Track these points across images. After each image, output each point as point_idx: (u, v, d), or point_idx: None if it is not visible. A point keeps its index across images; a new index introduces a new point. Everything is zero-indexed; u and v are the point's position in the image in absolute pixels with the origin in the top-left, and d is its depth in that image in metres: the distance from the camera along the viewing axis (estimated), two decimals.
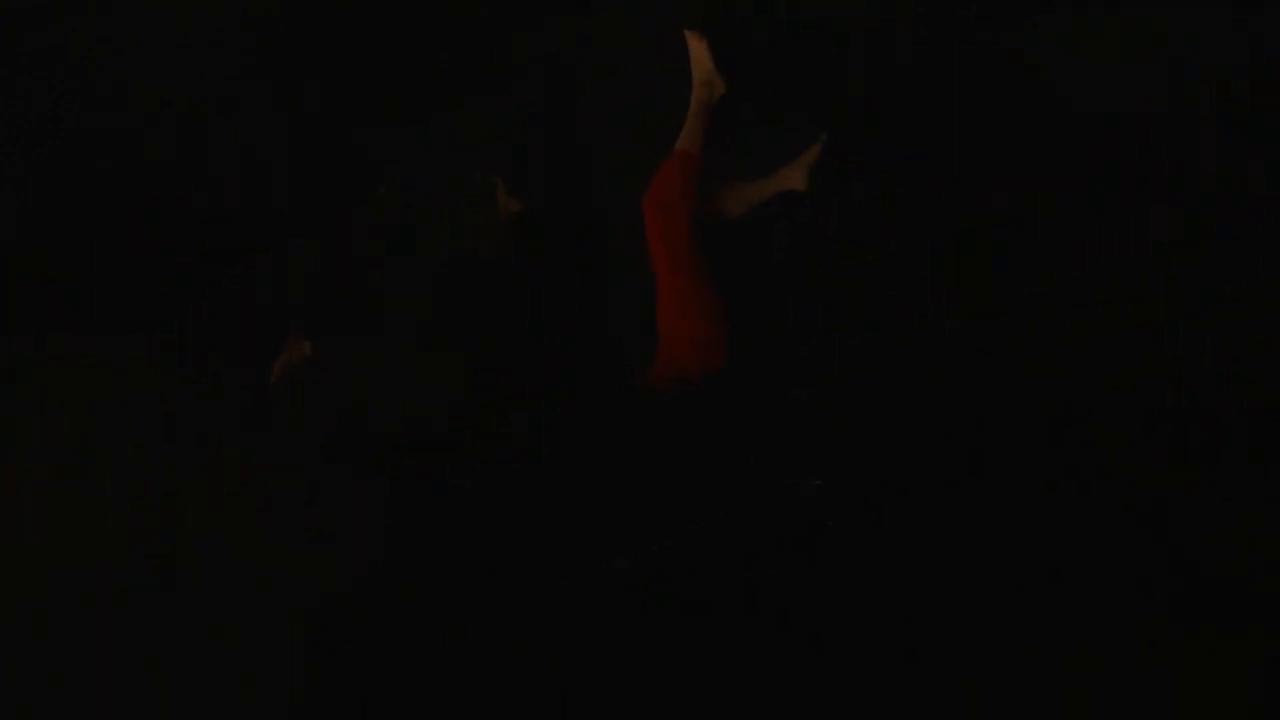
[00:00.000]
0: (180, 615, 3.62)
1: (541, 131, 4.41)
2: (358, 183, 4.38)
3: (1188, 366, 3.93)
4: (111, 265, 4.29)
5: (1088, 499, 3.71)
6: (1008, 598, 3.59)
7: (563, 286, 4.09)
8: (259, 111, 4.43)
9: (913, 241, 4.18)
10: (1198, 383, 3.90)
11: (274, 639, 3.56)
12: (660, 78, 4.15)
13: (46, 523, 3.79)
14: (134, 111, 4.42)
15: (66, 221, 4.35)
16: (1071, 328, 4.02)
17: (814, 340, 4.04)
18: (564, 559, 3.67)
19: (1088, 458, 3.79)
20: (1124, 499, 3.71)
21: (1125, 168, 4.21)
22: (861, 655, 3.53)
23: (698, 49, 3.90)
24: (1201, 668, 3.44)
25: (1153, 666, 3.47)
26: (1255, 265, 4.07)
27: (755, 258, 4.11)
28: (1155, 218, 4.16)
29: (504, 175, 4.09)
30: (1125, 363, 3.95)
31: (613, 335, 4.03)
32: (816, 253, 4.16)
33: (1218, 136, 4.22)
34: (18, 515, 3.79)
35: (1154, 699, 3.42)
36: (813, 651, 3.55)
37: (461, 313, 4.05)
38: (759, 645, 3.57)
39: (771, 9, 4.41)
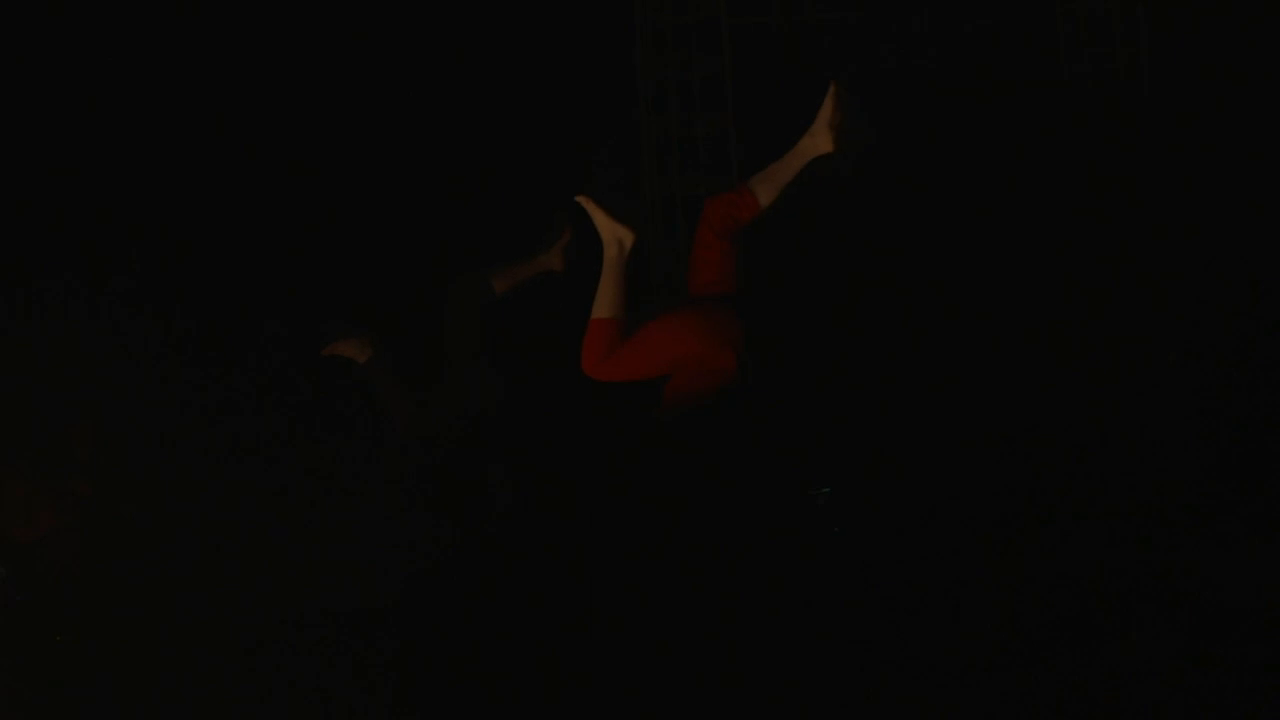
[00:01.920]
0: (180, 615, 3.63)
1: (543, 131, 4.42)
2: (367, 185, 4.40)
3: (1188, 366, 3.94)
4: (108, 264, 4.30)
5: (1087, 502, 3.72)
6: (1008, 598, 3.60)
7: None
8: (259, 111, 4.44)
9: (913, 241, 4.19)
10: (1198, 383, 3.90)
11: (273, 639, 3.57)
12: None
13: (47, 523, 3.79)
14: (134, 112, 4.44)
15: (65, 220, 4.36)
16: (1071, 328, 4.02)
17: (824, 342, 4.03)
18: (564, 558, 3.67)
19: (1089, 462, 3.79)
20: (1123, 500, 3.71)
21: (1125, 168, 4.22)
22: (862, 655, 3.54)
23: (593, 212, 3.46)
24: (1200, 668, 3.44)
25: (1152, 666, 3.47)
26: (1255, 265, 4.07)
27: (771, 264, 4.10)
28: (1155, 219, 4.16)
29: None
30: (1125, 363, 3.96)
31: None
32: (828, 256, 4.16)
33: (1218, 136, 4.23)
34: (18, 515, 3.80)
35: (1154, 699, 3.43)
36: (813, 651, 3.55)
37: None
38: (759, 645, 3.57)
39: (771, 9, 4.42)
